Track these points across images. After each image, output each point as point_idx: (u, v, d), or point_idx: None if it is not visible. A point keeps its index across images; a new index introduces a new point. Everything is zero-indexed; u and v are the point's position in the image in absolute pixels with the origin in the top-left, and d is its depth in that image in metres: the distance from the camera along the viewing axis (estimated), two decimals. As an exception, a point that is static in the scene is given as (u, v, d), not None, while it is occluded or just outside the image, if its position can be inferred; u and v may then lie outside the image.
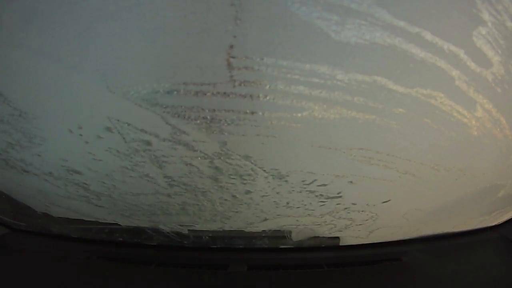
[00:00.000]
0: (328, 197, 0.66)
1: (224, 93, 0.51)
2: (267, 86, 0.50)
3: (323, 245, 0.78)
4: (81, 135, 0.57)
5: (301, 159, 0.60)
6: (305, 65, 0.48)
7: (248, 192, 0.65)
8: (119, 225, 0.76)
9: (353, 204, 0.67)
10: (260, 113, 0.53)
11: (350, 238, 0.75)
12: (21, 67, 0.51)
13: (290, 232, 0.74)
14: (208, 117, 0.54)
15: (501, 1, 0.48)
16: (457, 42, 0.49)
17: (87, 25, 0.47)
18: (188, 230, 0.75)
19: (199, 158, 0.60)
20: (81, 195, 0.70)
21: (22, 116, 0.56)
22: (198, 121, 0.55)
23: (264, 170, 0.61)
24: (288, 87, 0.50)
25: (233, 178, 0.63)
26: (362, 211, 0.68)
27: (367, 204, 0.67)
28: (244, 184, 0.63)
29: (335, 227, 0.72)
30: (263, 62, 0.48)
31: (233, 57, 0.47)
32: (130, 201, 0.70)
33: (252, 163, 0.60)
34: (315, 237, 0.75)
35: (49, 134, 0.59)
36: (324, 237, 0.75)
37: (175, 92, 0.51)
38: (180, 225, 0.75)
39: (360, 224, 0.71)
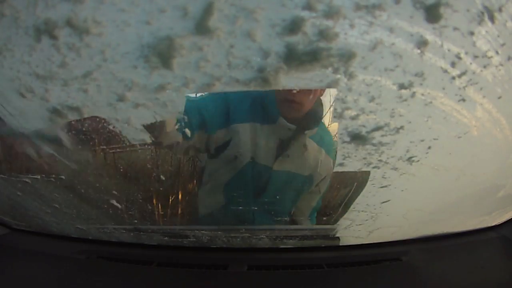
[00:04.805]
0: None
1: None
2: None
3: (323, 245, 0.78)
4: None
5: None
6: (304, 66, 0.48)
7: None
8: (119, 225, 0.76)
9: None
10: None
11: (350, 238, 0.75)
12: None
13: None
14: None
15: (501, 1, 0.48)
16: (457, 42, 0.49)
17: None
18: (188, 230, 0.75)
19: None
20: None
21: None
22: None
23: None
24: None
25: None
26: (362, 211, 0.68)
27: (367, 204, 0.67)
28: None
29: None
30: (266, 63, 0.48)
31: (233, 57, 0.47)
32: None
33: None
34: (315, 237, 0.75)
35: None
36: (324, 237, 0.75)
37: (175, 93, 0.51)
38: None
39: (360, 224, 0.71)
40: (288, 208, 0.74)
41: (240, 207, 0.70)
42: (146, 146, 0.60)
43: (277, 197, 0.71)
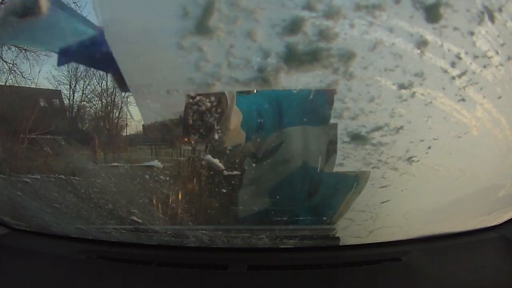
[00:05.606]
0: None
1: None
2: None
3: (323, 245, 0.78)
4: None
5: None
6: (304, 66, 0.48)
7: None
8: (119, 225, 0.76)
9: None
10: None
11: (350, 238, 0.75)
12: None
13: None
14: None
15: (501, 1, 0.48)
16: (457, 42, 0.49)
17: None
18: (188, 230, 0.75)
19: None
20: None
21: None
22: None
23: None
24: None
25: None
26: (362, 211, 0.68)
27: (367, 204, 0.67)
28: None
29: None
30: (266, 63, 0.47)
31: (233, 57, 0.47)
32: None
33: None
34: (315, 237, 0.75)
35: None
36: (324, 237, 0.75)
37: (175, 93, 0.51)
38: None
39: (360, 224, 0.71)
40: (334, 209, 0.72)
41: (285, 211, 0.68)
42: (146, 146, 0.60)
43: (325, 199, 0.69)
